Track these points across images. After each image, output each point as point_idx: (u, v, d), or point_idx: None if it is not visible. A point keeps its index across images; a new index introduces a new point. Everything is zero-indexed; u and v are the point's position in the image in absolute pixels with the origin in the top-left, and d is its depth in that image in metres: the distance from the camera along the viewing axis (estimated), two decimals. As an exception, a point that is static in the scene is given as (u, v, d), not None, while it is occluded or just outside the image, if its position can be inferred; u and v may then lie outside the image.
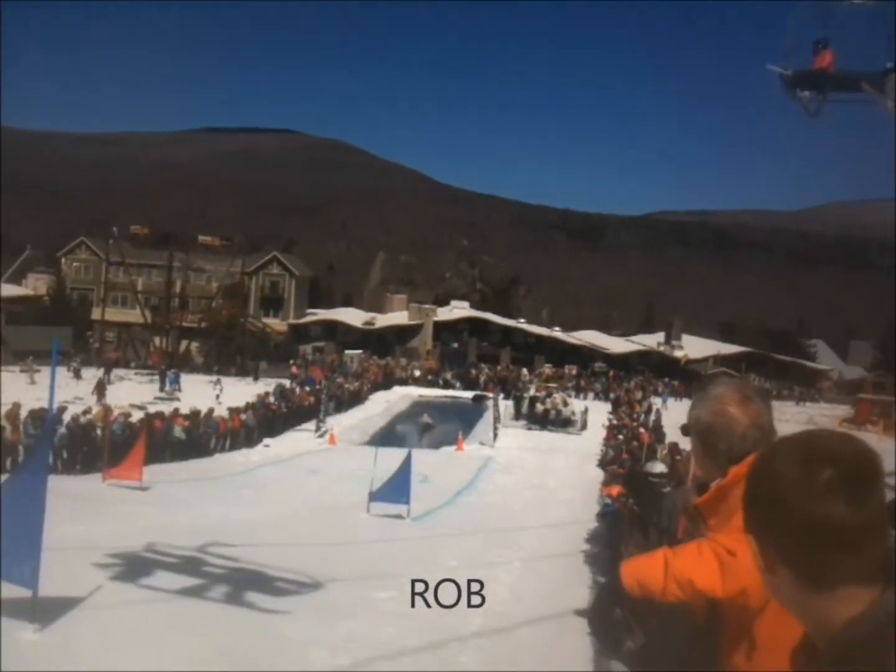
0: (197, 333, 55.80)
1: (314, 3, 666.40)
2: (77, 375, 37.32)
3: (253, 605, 8.10)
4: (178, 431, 23.91)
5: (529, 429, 34.94)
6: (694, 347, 64.97)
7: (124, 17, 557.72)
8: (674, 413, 34.46)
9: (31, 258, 69.69)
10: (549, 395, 39.51)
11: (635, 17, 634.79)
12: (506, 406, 39.18)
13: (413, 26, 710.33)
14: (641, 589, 1.78)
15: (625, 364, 59.92)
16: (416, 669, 6.59)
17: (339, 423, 32.46)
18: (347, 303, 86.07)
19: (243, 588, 8.71)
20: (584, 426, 35.79)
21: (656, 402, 42.74)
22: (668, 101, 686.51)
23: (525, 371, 52.12)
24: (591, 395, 47.57)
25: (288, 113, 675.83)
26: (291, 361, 50.24)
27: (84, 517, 12.35)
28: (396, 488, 15.22)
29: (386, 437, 31.71)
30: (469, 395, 45.35)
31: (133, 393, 34.15)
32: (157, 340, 53.39)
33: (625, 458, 21.63)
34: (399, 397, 43.21)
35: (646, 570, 1.82)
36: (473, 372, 51.16)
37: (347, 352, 56.51)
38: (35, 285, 62.49)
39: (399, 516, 15.09)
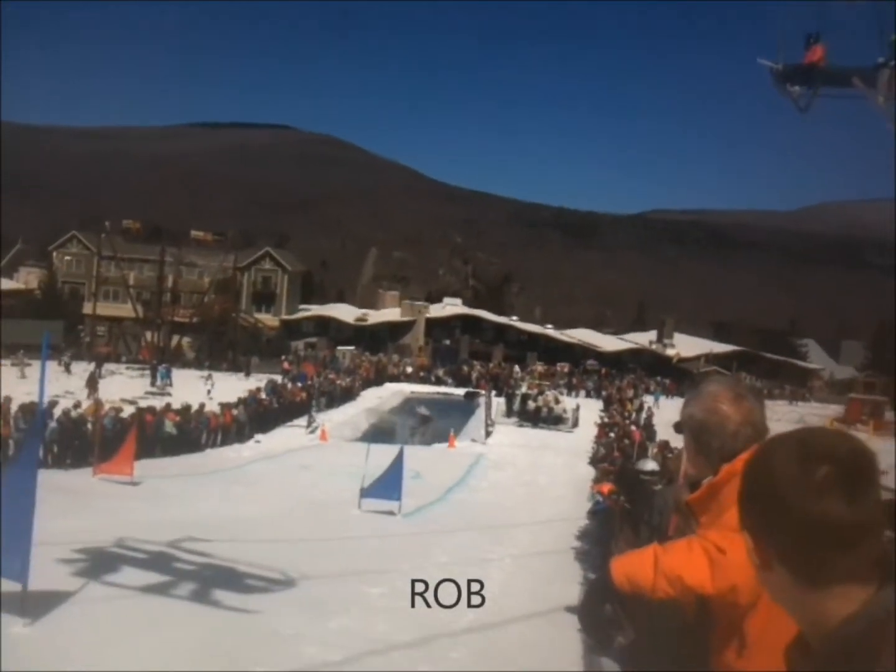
0: (188, 328, 55.62)
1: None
2: (67, 370, 37.20)
3: (243, 600, 8.09)
4: (169, 426, 23.89)
5: (521, 426, 35.04)
6: (685, 346, 65.20)
7: (118, 13, 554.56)
8: (665, 411, 34.65)
9: (22, 252, 69.32)
10: (541, 392, 39.68)
11: (634, 17, 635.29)
12: (498, 403, 39.26)
13: (408, 22, 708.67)
14: (631, 585, 1.79)
15: (617, 362, 60.03)
16: (407, 665, 6.59)
17: (331, 419, 32.47)
18: (340, 299, 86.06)
19: (234, 583, 8.70)
20: (575, 424, 35.92)
21: (648, 400, 42.90)
22: (664, 101, 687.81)
23: (517, 368, 52.24)
24: (582, 392, 47.71)
25: (282, 108, 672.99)
26: (283, 357, 50.09)
27: (74, 511, 12.30)
28: (388, 485, 15.20)
29: (378, 433, 31.74)
30: (461, 391, 45.43)
31: (124, 387, 34.09)
32: (148, 335, 53.22)
33: (616, 455, 21.74)
34: (391, 394, 43.26)
35: (636, 566, 1.82)
36: (465, 369, 51.22)
37: (339, 348, 56.41)
38: (26, 279, 62.26)
39: (391, 512, 15.08)
